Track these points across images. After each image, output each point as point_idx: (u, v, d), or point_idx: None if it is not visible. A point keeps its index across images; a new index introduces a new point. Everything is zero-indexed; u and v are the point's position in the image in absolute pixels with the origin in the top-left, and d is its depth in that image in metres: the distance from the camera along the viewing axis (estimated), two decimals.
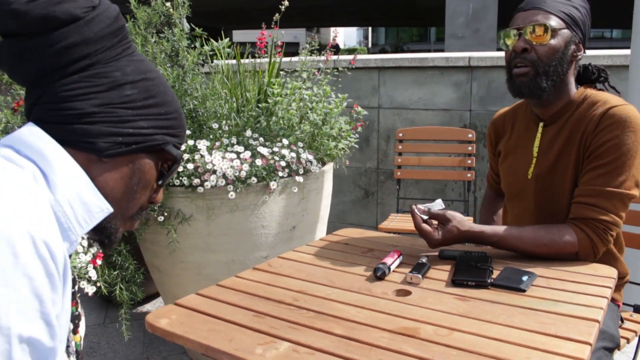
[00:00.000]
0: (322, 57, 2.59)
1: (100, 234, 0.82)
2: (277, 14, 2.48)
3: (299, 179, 2.15)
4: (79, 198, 0.74)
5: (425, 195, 3.83)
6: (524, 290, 1.23)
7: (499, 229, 1.45)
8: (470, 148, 3.18)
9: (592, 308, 1.14)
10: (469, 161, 3.19)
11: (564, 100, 1.52)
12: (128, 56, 0.81)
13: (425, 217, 1.48)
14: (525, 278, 1.27)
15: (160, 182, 0.87)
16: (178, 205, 2.10)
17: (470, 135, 3.19)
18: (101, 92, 0.77)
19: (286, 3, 2.48)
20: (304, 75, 2.55)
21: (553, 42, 1.44)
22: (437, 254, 1.48)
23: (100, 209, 0.77)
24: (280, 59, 2.54)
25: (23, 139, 0.74)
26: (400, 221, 3.04)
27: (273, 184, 2.07)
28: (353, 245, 1.59)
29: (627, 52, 2.81)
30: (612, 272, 1.35)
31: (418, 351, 0.97)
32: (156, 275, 2.38)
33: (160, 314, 1.15)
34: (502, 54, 3.47)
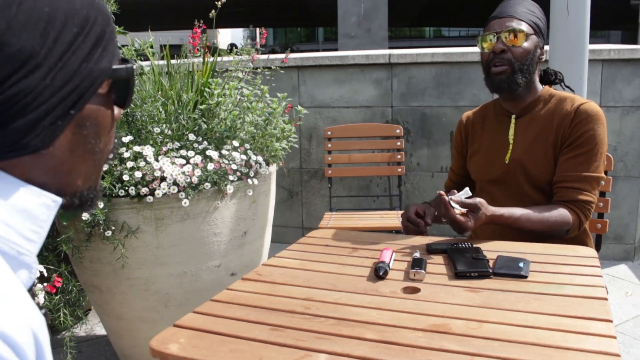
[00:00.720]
0: (261, 57, 2.51)
1: (76, 209, 0.60)
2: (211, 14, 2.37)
3: (255, 181, 2.06)
4: (14, 209, 0.50)
5: (351, 192, 3.85)
6: (525, 277, 1.25)
7: (512, 211, 1.55)
8: (399, 143, 3.24)
9: (595, 287, 1.19)
10: (399, 156, 3.24)
11: (532, 96, 1.72)
12: None
13: (459, 209, 1.47)
14: (522, 264, 1.29)
15: (122, 107, 0.62)
16: (123, 218, 1.93)
17: (398, 131, 3.25)
18: None
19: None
20: (239, 74, 2.45)
21: (525, 44, 1.64)
22: (425, 248, 1.47)
23: (46, 207, 0.53)
24: (215, 59, 2.42)
25: None
26: (337, 219, 3.02)
27: (230, 188, 1.97)
28: (335, 247, 1.54)
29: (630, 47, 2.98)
30: (592, 252, 1.41)
31: (461, 347, 0.95)
32: (95, 295, 2.18)
33: (164, 339, 1.03)
34: (420, 50, 3.58)
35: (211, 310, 1.15)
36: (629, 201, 3.41)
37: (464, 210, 1.47)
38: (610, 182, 1.98)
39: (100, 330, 2.68)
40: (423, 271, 1.27)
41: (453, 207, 1.46)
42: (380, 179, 3.81)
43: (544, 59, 1.73)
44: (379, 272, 1.28)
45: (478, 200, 1.50)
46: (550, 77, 1.83)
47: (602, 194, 1.97)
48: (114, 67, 0.57)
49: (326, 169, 3.31)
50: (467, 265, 1.29)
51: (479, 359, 0.91)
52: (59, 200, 0.55)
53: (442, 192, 1.49)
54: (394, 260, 1.39)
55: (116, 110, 0.61)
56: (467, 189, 1.55)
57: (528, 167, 1.68)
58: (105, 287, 2.09)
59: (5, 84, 0.47)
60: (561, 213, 1.58)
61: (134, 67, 0.61)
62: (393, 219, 3.01)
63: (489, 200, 1.78)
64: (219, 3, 2.35)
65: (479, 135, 1.84)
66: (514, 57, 1.64)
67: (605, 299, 1.13)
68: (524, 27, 1.64)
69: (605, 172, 1.86)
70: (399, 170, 3.25)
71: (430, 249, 1.45)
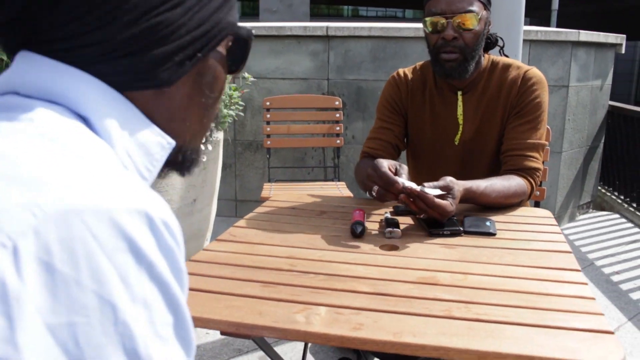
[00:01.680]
0: None
1: (178, 166, 0.61)
2: None
3: (209, 147, 2.01)
4: (135, 141, 0.50)
5: (285, 164, 3.85)
6: (494, 234, 1.31)
7: (477, 183, 1.45)
8: (338, 115, 3.26)
9: (558, 242, 1.28)
10: (337, 128, 3.27)
11: (477, 69, 1.66)
12: None
13: (433, 192, 1.31)
14: (489, 223, 1.36)
15: (234, 71, 0.63)
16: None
17: (337, 103, 3.27)
18: (131, 3, 0.48)
19: None
20: None
21: (477, 27, 1.55)
22: (392, 210, 1.51)
23: (161, 146, 0.53)
24: None
25: (31, 76, 0.47)
26: (277, 190, 3.02)
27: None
28: (302, 209, 1.54)
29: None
30: (548, 212, 1.51)
31: (453, 296, 0.99)
32: None
33: None
34: (358, 24, 3.61)
35: (192, 269, 1.13)
36: (551, 175, 3.65)
37: (437, 193, 1.32)
38: (549, 152, 2.10)
39: None
40: (399, 230, 1.31)
41: (428, 194, 1.30)
42: (315, 151, 3.83)
43: (490, 31, 1.66)
44: (356, 231, 1.30)
45: (447, 179, 1.37)
46: (492, 44, 1.74)
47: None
48: (238, 24, 0.60)
49: (265, 140, 3.28)
50: (438, 224, 1.34)
51: (472, 306, 0.96)
52: (173, 143, 0.55)
53: (407, 184, 1.31)
54: (366, 221, 1.41)
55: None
56: (409, 181, 1.34)
57: (480, 147, 1.66)
58: None
59: (152, 13, 0.49)
60: (519, 182, 1.54)
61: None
62: (333, 189, 3.05)
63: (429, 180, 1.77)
64: None
65: (419, 101, 1.73)
66: (465, 44, 1.55)
67: (570, 252, 1.21)
68: (475, 6, 1.53)
69: None
70: (338, 142, 3.28)
71: (398, 211, 1.49)
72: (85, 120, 0.48)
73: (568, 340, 0.85)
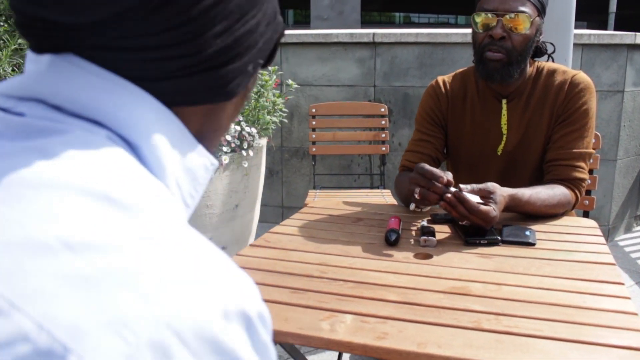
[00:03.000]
0: None
1: None
2: None
3: (250, 152, 2.03)
4: (184, 167, 0.45)
5: (332, 171, 3.85)
6: (534, 244, 1.27)
7: (522, 190, 1.42)
8: (383, 122, 3.24)
9: (602, 254, 1.22)
10: (383, 135, 3.25)
11: (523, 76, 1.60)
12: None
13: (477, 199, 1.29)
14: (528, 233, 1.31)
15: (265, 66, 0.58)
16: None
17: (382, 110, 3.26)
18: (223, 12, 0.44)
19: None
20: None
21: (528, 31, 1.49)
22: (429, 218, 1.48)
23: (205, 168, 0.48)
24: None
25: (69, 87, 0.39)
26: (322, 197, 3.02)
27: (225, 159, 1.94)
28: (339, 216, 1.54)
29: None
30: (593, 222, 1.45)
31: (484, 307, 0.96)
32: None
33: None
34: (404, 30, 3.58)
35: None
36: (604, 184, 3.50)
37: (477, 199, 1.28)
38: (598, 160, 2.02)
39: None
40: (434, 238, 1.28)
41: (470, 199, 1.26)
42: (361, 159, 3.82)
43: (541, 40, 1.60)
44: (390, 239, 1.28)
45: (488, 184, 1.33)
46: (541, 52, 1.65)
47: (590, 171, 2.01)
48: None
49: (310, 147, 3.30)
50: (476, 233, 1.30)
51: (503, 318, 0.93)
52: (216, 163, 0.50)
53: (449, 188, 1.28)
54: (402, 229, 1.39)
55: None
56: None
57: (523, 157, 1.60)
58: None
59: (241, 21, 0.45)
60: (564, 192, 1.49)
61: None
62: (378, 196, 3.03)
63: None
64: None
65: (459, 110, 1.68)
66: (513, 46, 1.49)
67: (614, 264, 1.16)
68: (529, 9, 1.47)
69: (594, 150, 1.89)
70: (383, 149, 3.26)
71: (435, 219, 1.46)
72: (131, 145, 0.41)
73: (604, 357, 0.81)
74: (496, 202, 1.31)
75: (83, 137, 0.37)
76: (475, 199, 1.28)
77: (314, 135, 3.29)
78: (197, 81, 0.44)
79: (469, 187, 1.31)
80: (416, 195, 1.33)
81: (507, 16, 1.47)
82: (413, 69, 3.55)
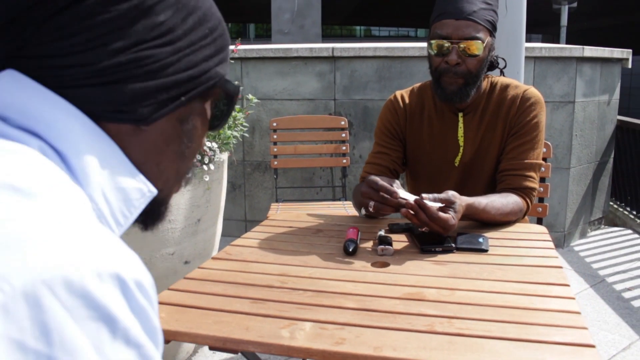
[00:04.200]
0: None
1: (144, 217, 0.58)
2: None
3: (211, 167, 2.05)
4: (114, 184, 0.49)
5: (294, 184, 3.88)
6: (486, 250, 1.32)
7: (478, 199, 1.48)
8: (344, 135, 3.30)
9: (550, 258, 1.28)
10: (344, 147, 3.30)
11: (478, 91, 1.67)
12: None
13: (438, 205, 1.33)
14: (482, 240, 1.37)
15: (214, 128, 0.63)
16: None
17: (343, 123, 3.31)
18: (123, 27, 0.49)
19: None
20: None
21: (482, 54, 1.56)
22: (386, 228, 1.52)
23: (141, 193, 0.52)
24: None
25: (10, 99, 0.46)
26: (285, 209, 3.04)
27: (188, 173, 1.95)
28: (299, 228, 1.56)
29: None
30: (543, 228, 1.52)
31: (437, 311, 1.00)
32: None
33: None
34: (363, 44, 3.66)
35: (187, 286, 1.15)
36: (559, 191, 3.63)
37: (437, 206, 1.33)
38: (550, 168, 2.11)
39: None
40: (391, 247, 1.32)
41: (430, 206, 1.32)
42: (322, 171, 3.86)
43: (494, 54, 1.66)
44: (348, 249, 1.32)
45: (449, 192, 1.39)
46: (493, 66, 1.72)
47: (542, 180, 2.10)
48: (227, 79, 0.60)
49: (272, 160, 3.32)
50: (431, 241, 1.35)
51: (456, 321, 0.97)
52: (154, 191, 0.54)
53: (405, 194, 1.35)
54: (360, 239, 1.43)
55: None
56: (408, 194, 1.38)
57: (479, 167, 1.67)
58: None
59: (141, 46, 0.50)
60: (516, 200, 1.56)
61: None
62: (340, 208, 3.07)
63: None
64: None
65: (417, 124, 1.74)
66: (468, 69, 1.55)
67: (560, 267, 1.22)
68: (481, 33, 1.53)
69: (545, 159, 1.98)
70: (344, 161, 3.31)
71: (393, 229, 1.50)
72: (61, 156, 0.46)
73: (547, 353, 0.86)
74: (455, 210, 1.37)
75: (7, 145, 0.43)
76: (435, 206, 1.33)
77: (275, 149, 3.32)
78: (105, 93, 0.49)
79: (430, 196, 1.36)
80: (371, 209, 1.39)
81: (462, 44, 1.53)
82: (372, 82, 3.63)
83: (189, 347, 2.34)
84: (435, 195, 1.37)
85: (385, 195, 1.37)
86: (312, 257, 1.32)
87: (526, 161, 1.62)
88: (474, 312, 1.00)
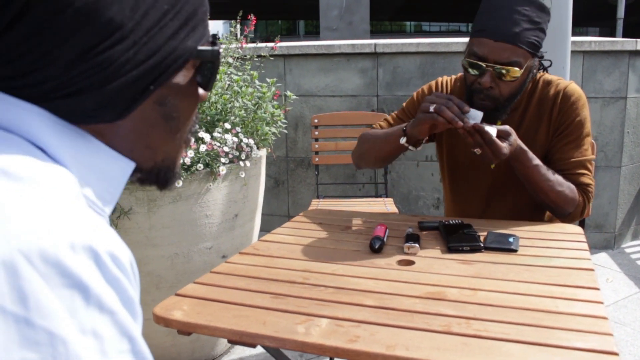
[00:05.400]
0: (249, 45, 2.52)
1: (154, 181, 0.61)
2: None
3: (247, 163, 2.08)
4: (93, 168, 0.52)
5: (337, 180, 3.88)
6: (515, 250, 1.29)
7: (534, 156, 1.48)
8: None
9: (582, 260, 1.24)
10: None
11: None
12: None
13: (494, 132, 1.37)
14: (512, 239, 1.34)
15: (205, 89, 0.62)
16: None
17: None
18: (68, 39, 0.47)
19: None
20: (229, 60, 2.47)
21: (520, 78, 1.46)
22: (417, 225, 1.51)
23: (121, 169, 0.55)
24: None
25: None
26: (325, 206, 3.05)
27: (223, 169, 1.98)
28: (329, 224, 1.57)
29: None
30: (578, 229, 1.47)
31: (456, 311, 0.99)
32: None
33: (168, 307, 1.05)
34: (405, 40, 3.62)
35: (211, 280, 1.18)
36: (609, 191, 3.50)
37: (494, 132, 1.37)
38: (594, 168, 2.02)
39: None
40: (417, 245, 1.31)
41: (487, 131, 1.35)
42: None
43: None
44: (374, 246, 1.31)
45: (508, 127, 1.42)
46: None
47: None
48: (200, 48, 0.57)
49: (313, 157, 3.34)
50: (459, 240, 1.33)
51: (474, 322, 0.95)
52: (132, 164, 0.56)
53: (472, 123, 1.36)
54: (389, 236, 1.42)
55: (201, 91, 0.61)
56: (477, 112, 1.39)
57: (512, 172, 1.57)
58: None
59: (92, 52, 0.48)
60: (572, 188, 1.51)
61: (220, 50, 0.59)
62: (380, 205, 3.05)
63: (453, 197, 1.74)
64: None
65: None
66: (501, 94, 1.47)
67: (592, 270, 1.18)
68: (520, 57, 1.42)
69: None
70: None
71: (423, 226, 1.49)
72: (43, 151, 0.49)
73: (565, 359, 0.83)
74: (510, 142, 1.40)
75: None
76: (492, 131, 1.36)
77: (316, 145, 3.34)
78: (70, 104, 0.49)
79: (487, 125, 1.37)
80: (431, 109, 1.39)
81: (497, 69, 1.43)
82: (415, 78, 3.59)
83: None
84: (497, 126, 1.41)
85: (451, 104, 1.38)
86: (338, 253, 1.32)
87: (576, 159, 1.56)
88: (494, 314, 0.98)
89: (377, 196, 3.68)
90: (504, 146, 1.38)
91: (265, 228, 3.84)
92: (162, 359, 2.20)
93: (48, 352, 0.37)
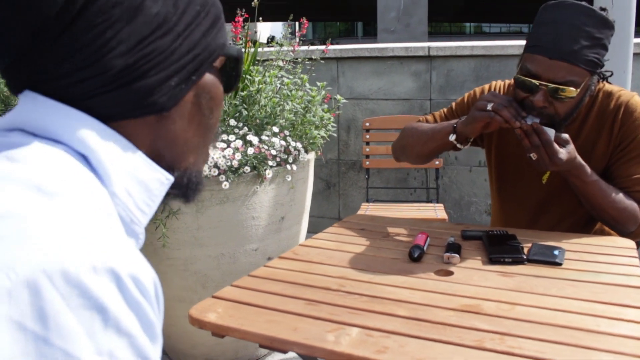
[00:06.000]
0: (302, 48, 2.54)
1: (182, 191, 0.63)
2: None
3: (293, 167, 2.10)
4: (135, 179, 0.55)
5: (388, 185, 3.86)
6: (560, 264, 1.25)
7: (592, 172, 1.41)
8: None
9: (631, 276, 1.18)
10: None
11: None
12: None
13: (552, 134, 1.33)
14: (557, 252, 1.29)
15: (228, 90, 0.66)
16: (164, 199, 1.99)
17: None
18: (121, 31, 0.52)
19: None
20: (280, 63, 2.49)
21: (576, 97, 1.37)
22: (460, 234, 1.48)
23: (160, 182, 0.58)
24: (255, 49, 2.46)
25: (36, 116, 0.52)
26: (374, 210, 3.04)
27: (269, 172, 2.01)
28: (370, 231, 1.56)
29: None
30: (630, 243, 1.40)
31: (491, 326, 0.97)
32: None
33: (203, 309, 1.08)
34: (459, 43, 3.55)
35: (248, 284, 1.20)
36: None
37: (553, 134, 1.33)
38: None
39: None
40: (457, 255, 1.29)
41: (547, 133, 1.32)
42: (417, 172, 3.80)
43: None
44: (413, 255, 1.30)
45: (567, 135, 1.35)
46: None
47: None
48: (227, 45, 0.63)
49: (364, 160, 3.33)
50: (501, 250, 1.30)
51: (508, 338, 0.93)
52: (171, 178, 0.59)
53: (527, 121, 1.32)
54: (429, 245, 1.40)
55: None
56: (533, 118, 1.35)
57: (565, 187, 1.50)
58: None
59: (144, 43, 0.53)
60: (634, 206, 1.42)
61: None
62: (430, 210, 3.01)
63: (502, 210, 1.68)
64: None
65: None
66: (556, 113, 1.38)
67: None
68: (577, 76, 1.33)
69: None
70: (437, 163, 3.24)
71: (465, 235, 1.46)
72: (86, 158, 0.51)
73: None
74: (568, 151, 1.34)
75: (38, 150, 0.49)
76: (550, 134, 1.32)
77: (367, 149, 3.33)
78: (122, 95, 0.53)
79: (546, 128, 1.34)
80: (489, 107, 1.34)
81: (551, 89, 1.35)
82: (469, 82, 3.52)
83: None
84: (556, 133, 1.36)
85: (510, 104, 1.34)
86: (376, 261, 1.31)
87: (638, 176, 1.45)
88: (530, 330, 0.95)
89: (428, 201, 3.63)
90: (562, 151, 1.33)
91: (315, 230, 3.86)
92: (207, 357, 2.25)
93: None
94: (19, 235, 0.41)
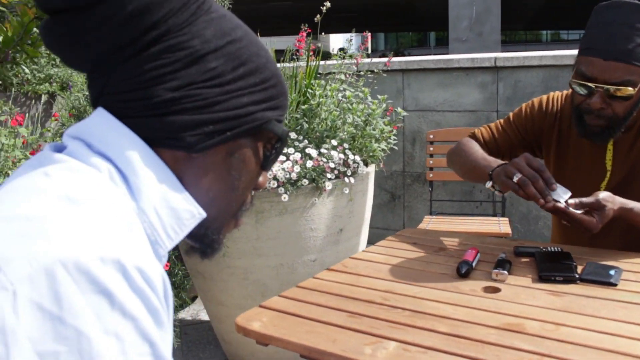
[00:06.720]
0: (365, 60, 2.58)
1: (199, 243, 0.68)
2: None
3: (351, 180, 2.13)
4: (166, 203, 0.60)
5: (453, 197, 3.81)
6: (615, 285, 1.20)
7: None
8: None
9: None
10: None
11: None
12: (205, 14, 0.62)
13: (580, 211, 1.32)
14: (612, 272, 1.25)
15: (264, 167, 0.71)
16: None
17: None
18: (178, 70, 0.60)
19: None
20: (342, 77, 2.54)
21: (634, 96, 1.35)
22: (512, 250, 1.46)
23: (191, 214, 0.62)
24: (317, 62, 2.52)
25: (95, 130, 0.60)
26: (436, 223, 3.01)
27: (328, 185, 2.05)
28: (422, 245, 1.56)
29: None
30: None
31: (532, 346, 0.95)
32: (199, 281, 2.36)
33: (249, 317, 1.13)
34: (527, 53, 3.47)
35: (295, 295, 1.23)
36: None
37: (580, 211, 1.31)
38: None
39: (204, 316, 2.88)
40: (506, 272, 1.27)
41: (570, 211, 1.30)
42: (483, 185, 3.73)
43: None
44: (461, 271, 1.29)
45: (600, 196, 1.31)
46: None
47: None
48: (274, 121, 0.68)
49: (427, 173, 3.31)
50: (552, 268, 1.27)
51: (547, 359, 0.91)
52: (204, 214, 0.64)
53: (553, 202, 1.28)
54: (479, 260, 1.39)
55: (261, 177, 0.72)
56: (561, 187, 1.32)
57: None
58: (208, 274, 2.26)
59: (192, 85, 0.61)
60: None
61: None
62: (494, 225, 2.95)
63: (576, 235, 1.60)
64: (324, 9, 2.45)
65: (565, 133, 1.55)
66: (615, 113, 1.37)
67: None
68: (634, 75, 1.31)
69: None
70: None
71: (518, 252, 1.43)
72: (124, 176, 0.58)
73: None
74: (602, 215, 1.30)
75: (79, 166, 0.57)
76: (565, 196, 1.29)
77: (431, 162, 3.30)
78: (160, 122, 0.60)
79: (576, 201, 1.30)
80: (515, 180, 1.31)
81: (608, 89, 1.34)
82: (537, 92, 3.40)
83: None
84: (583, 200, 1.31)
85: (538, 178, 1.28)
86: (423, 275, 1.32)
87: None
88: (572, 353, 0.93)
89: (493, 215, 3.55)
90: (594, 221, 1.29)
91: (380, 243, 3.88)
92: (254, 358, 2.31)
93: (75, 347, 0.45)
94: (40, 232, 0.48)
